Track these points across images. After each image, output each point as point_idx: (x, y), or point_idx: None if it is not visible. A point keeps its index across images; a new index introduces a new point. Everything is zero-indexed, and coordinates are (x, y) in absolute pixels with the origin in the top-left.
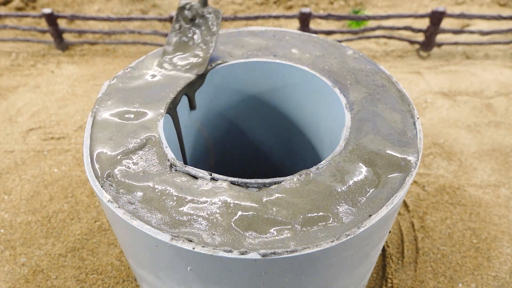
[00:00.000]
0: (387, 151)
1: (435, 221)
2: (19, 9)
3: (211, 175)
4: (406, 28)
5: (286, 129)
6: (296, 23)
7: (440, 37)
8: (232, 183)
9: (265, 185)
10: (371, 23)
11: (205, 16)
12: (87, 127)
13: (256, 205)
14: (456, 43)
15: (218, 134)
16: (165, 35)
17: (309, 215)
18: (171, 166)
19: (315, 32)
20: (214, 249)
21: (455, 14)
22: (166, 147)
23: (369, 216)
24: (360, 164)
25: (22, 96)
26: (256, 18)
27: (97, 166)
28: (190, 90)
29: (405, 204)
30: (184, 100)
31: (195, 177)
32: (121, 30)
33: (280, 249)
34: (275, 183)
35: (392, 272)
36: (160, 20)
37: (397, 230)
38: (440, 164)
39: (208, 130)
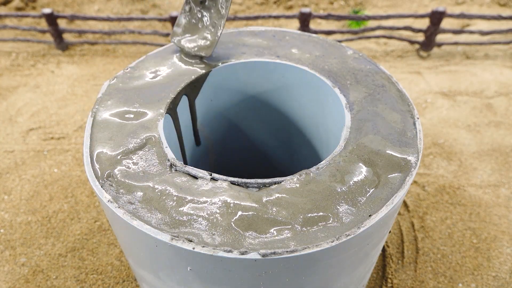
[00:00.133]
0: (387, 151)
1: (435, 221)
2: (19, 9)
3: (211, 175)
4: (406, 28)
5: (286, 129)
6: (296, 23)
7: (440, 37)
8: (232, 183)
9: (265, 185)
10: (371, 23)
11: None
12: (87, 127)
13: (256, 205)
14: (456, 43)
15: (218, 134)
16: (165, 35)
17: (309, 215)
18: (171, 166)
19: (315, 32)
20: (214, 249)
21: (455, 14)
22: (166, 147)
23: (369, 216)
24: (360, 164)
25: (22, 96)
26: (256, 18)
27: (97, 166)
28: (190, 92)
29: (405, 204)
30: (184, 100)
31: (195, 177)
32: (121, 30)
33: (280, 249)
34: (275, 183)
35: (392, 272)
36: (160, 20)
37: (397, 230)
38: (440, 164)
39: (208, 130)
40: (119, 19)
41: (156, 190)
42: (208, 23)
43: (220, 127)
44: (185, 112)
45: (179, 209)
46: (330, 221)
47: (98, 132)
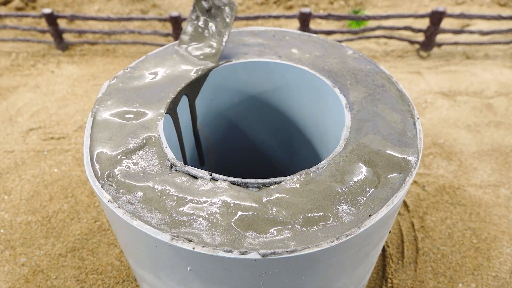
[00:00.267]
0: (387, 151)
1: (435, 221)
2: (19, 9)
3: (211, 175)
4: (406, 28)
5: (286, 129)
6: (296, 23)
7: (440, 37)
8: (232, 183)
9: (265, 185)
10: (371, 23)
11: (221, 8)
12: (87, 127)
13: (256, 205)
14: (456, 43)
15: (218, 134)
16: (165, 35)
17: (309, 215)
18: (171, 166)
19: (315, 32)
20: (214, 249)
21: (455, 14)
22: (166, 147)
23: (369, 216)
24: (360, 164)
25: (22, 96)
26: (256, 18)
27: (97, 166)
28: (190, 92)
29: (405, 204)
30: (184, 100)
31: (195, 177)
32: (121, 30)
33: (280, 249)
34: (275, 183)
35: (392, 272)
36: (160, 20)
37: (397, 230)
38: (440, 164)
39: (208, 130)
40: (119, 19)
41: (156, 190)
42: (214, 32)
43: (220, 127)
44: (185, 112)
45: (179, 209)
46: (330, 221)
47: (98, 132)
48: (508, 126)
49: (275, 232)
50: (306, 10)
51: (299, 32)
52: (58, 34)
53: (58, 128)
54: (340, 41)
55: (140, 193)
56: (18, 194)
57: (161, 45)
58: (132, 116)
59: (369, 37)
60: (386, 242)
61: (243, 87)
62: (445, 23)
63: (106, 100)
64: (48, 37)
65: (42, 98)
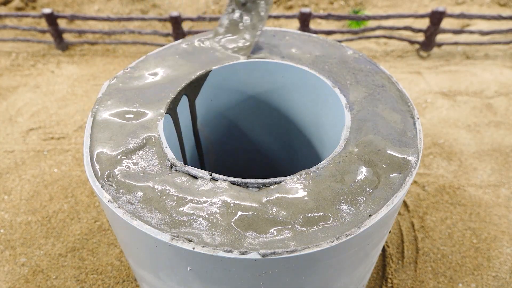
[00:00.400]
0: (387, 151)
1: (435, 221)
2: (19, 9)
3: (211, 175)
4: (406, 28)
5: (286, 129)
6: (296, 23)
7: (440, 37)
8: (232, 183)
9: (265, 185)
10: (371, 23)
11: (256, 2)
12: (87, 127)
13: (256, 205)
14: (456, 43)
15: (218, 134)
16: (165, 35)
17: (309, 215)
18: (171, 166)
19: (315, 32)
20: (214, 249)
21: (455, 14)
22: (166, 147)
23: (369, 216)
24: (360, 164)
25: (22, 96)
26: None
27: (97, 166)
28: (190, 92)
29: (405, 204)
30: (184, 100)
31: (195, 177)
32: (121, 30)
33: (280, 249)
34: (275, 183)
35: (392, 272)
36: (160, 20)
37: (397, 230)
38: (440, 164)
39: (208, 130)
40: (119, 19)
41: (156, 190)
42: (248, 25)
43: (220, 127)
44: (185, 112)
45: (179, 209)
46: (330, 221)
47: (98, 132)
48: (508, 126)
49: (275, 232)
50: (306, 10)
51: (299, 32)
52: (58, 34)
53: (58, 128)
54: (340, 41)
55: (140, 193)
56: (18, 194)
57: (161, 45)
58: (132, 116)
59: (369, 37)
60: (386, 242)
61: (243, 87)
62: (445, 23)
63: (106, 100)
64: (48, 37)
65: (42, 98)
